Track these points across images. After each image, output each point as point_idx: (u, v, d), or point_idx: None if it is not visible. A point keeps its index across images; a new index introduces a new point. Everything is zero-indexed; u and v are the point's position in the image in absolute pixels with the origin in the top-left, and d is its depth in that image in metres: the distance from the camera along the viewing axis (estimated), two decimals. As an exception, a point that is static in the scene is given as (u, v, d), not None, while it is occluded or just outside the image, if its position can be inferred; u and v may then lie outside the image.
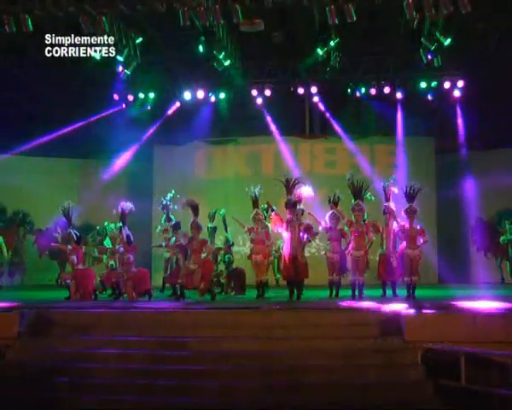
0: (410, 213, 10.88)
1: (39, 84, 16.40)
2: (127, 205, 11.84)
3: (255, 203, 11.63)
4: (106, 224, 12.95)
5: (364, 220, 11.19)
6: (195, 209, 11.29)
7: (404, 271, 10.87)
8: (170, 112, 17.28)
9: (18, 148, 16.76)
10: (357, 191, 11.30)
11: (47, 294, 12.75)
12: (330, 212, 11.52)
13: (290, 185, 11.13)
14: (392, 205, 11.26)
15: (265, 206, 11.93)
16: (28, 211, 17.61)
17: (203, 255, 10.99)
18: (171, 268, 12.41)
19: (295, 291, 10.84)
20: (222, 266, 12.66)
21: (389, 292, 11.17)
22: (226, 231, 12.72)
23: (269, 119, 17.07)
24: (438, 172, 16.93)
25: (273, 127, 17.13)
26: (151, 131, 17.48)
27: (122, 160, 17.48)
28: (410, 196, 10.99)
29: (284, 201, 11.06)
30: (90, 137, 17.13)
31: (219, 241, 12.74)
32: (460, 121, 16.60)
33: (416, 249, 10.83)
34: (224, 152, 17.76)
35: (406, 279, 10.87)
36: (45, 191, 16.62)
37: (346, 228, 11.32)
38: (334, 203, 11.74)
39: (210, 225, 12.15)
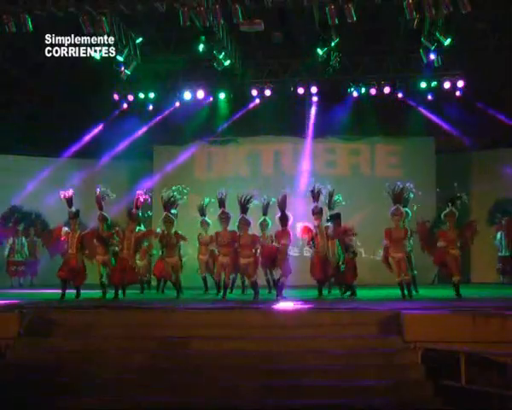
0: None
1: (39, 84, 16.41)
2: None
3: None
4: None
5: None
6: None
7: None
8: (170, 112, 17.29)
9: (19, 148, 16.75)
10: (397, 196, 11.41)
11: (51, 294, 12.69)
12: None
13: (316, 194, 11.66)
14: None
15: None
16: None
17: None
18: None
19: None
20: None
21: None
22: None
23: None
24: (438, 172, 16.92)
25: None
26: (151, 131, 17.47)
27: (122, 160, 17.46)
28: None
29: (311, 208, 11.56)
30: (90, 137, 17.12)
31: None
32: (460, 121, 16.58)
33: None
34: (224, 152, 17.74)
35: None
36: (46, 191, 16.58)
37: None
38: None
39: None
